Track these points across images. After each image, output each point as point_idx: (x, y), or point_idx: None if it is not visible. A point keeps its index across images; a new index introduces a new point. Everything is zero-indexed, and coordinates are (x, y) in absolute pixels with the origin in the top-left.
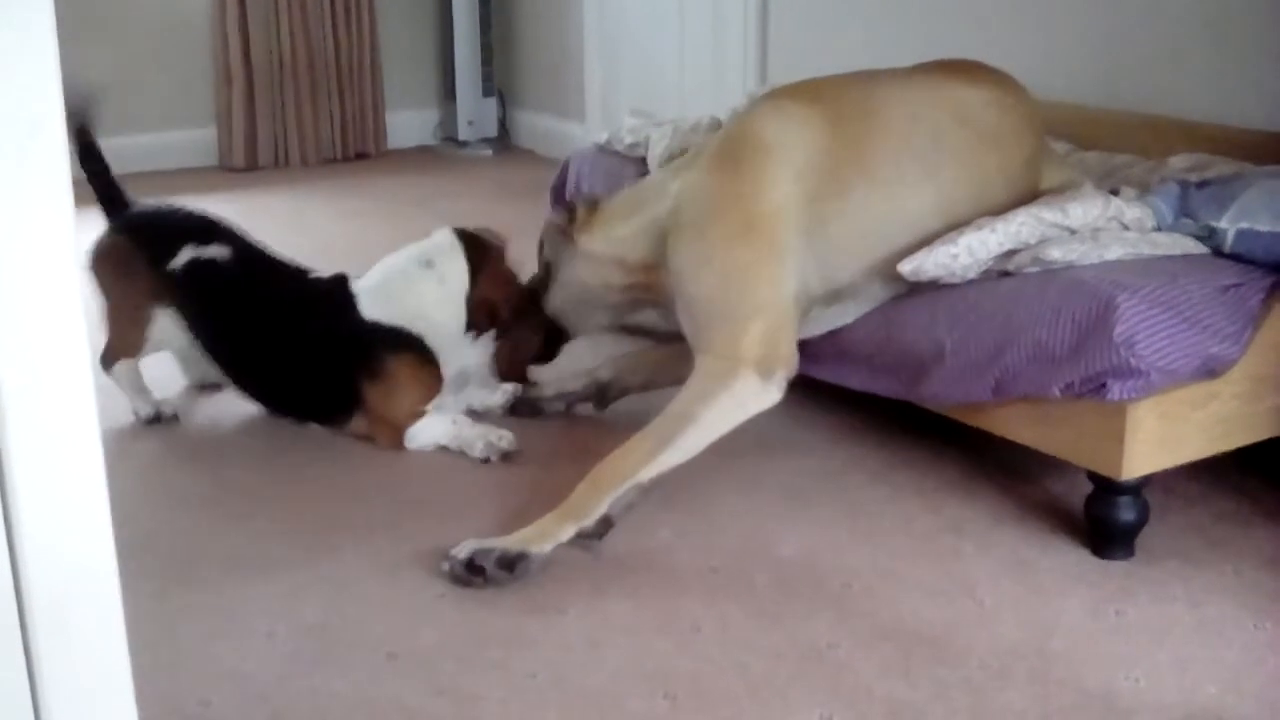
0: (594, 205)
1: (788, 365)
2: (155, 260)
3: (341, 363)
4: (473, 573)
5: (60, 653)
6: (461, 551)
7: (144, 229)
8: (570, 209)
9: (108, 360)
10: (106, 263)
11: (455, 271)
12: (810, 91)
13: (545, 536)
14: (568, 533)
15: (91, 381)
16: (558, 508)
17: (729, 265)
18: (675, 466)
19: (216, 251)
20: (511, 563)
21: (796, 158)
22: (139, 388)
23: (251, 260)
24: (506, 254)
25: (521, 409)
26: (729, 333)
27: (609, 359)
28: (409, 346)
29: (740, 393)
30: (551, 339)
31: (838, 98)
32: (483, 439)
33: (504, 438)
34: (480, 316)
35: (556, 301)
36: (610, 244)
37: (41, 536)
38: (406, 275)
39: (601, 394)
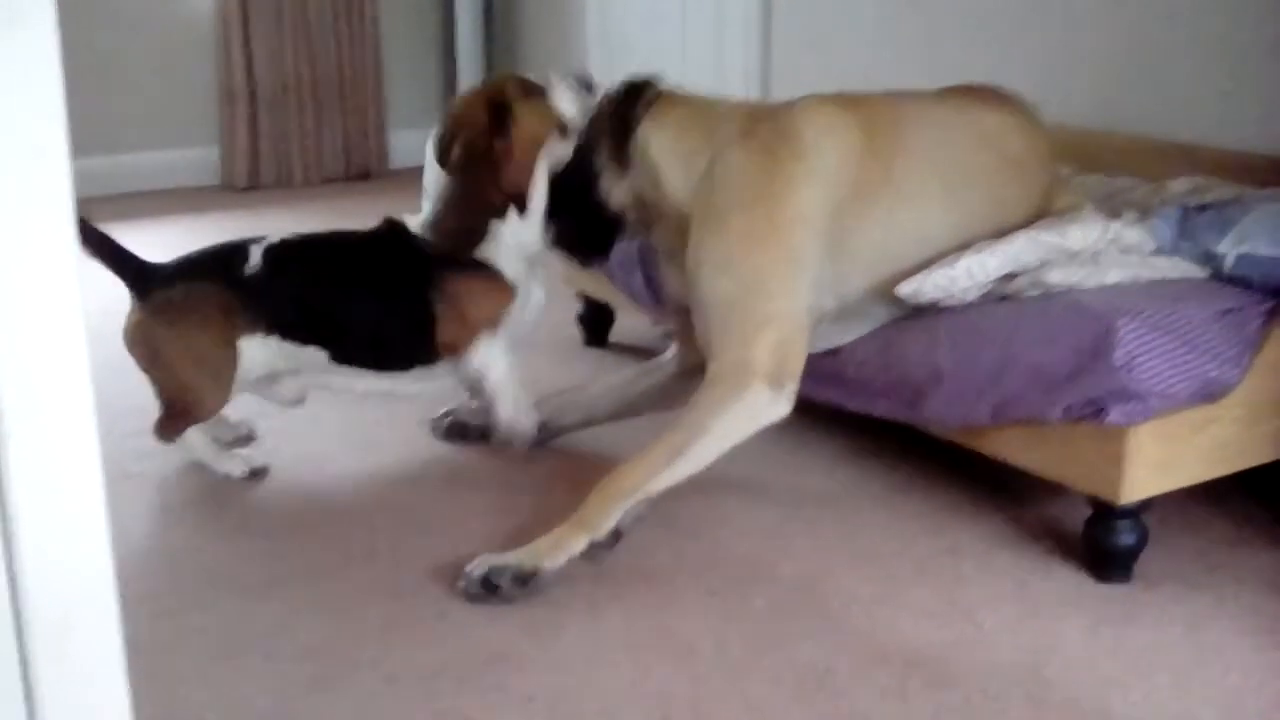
0: (662, 95)
1: (796, 378)
2: (228, 284)
3: (419, 297)
4: (488, 590)
5: (59, 674)
6: (476, 569)
7: (194, 269)
8: (639, 87)
9: (171, 432)
10: (157, 326)
11: None
12: (849, 101)
13: (559, 549)
14: (580, 545)
15: (93, 403)
16: (569, 520)
17: (747, 270)
18: (686, 478)
19: (269, 245)
20: (525, 579)
21: (830, 164)
22: (219, 448)
23: (301, 243)
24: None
25: (451, 431)
26: (741, 341)
27: (545, 398)
28: (471, 263)
29: (751, 405)
30: (604, 229)
31: (873, 111)
32: (519, 400)
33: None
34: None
35: (616, 195)
36: (655, 151)
37: (42, 557)
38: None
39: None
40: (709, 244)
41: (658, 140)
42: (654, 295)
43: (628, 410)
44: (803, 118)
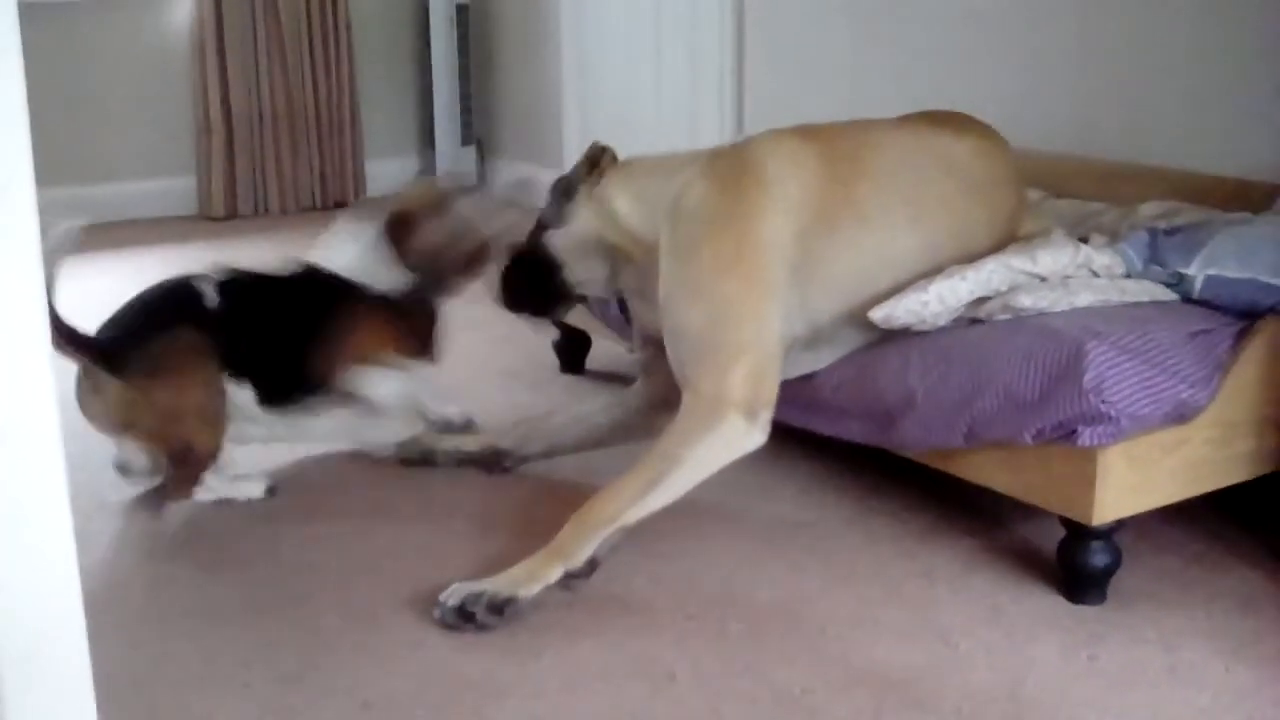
0: (615, 160)
1: (770, 406)
2: (197, 324)
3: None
4: (463, 619)
5: (28, 703)
6: (451, 599)
7: (155, 320)
8: (595, 157)
9: (188, 485)
10: (151, 389)
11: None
12: (807, 131)
13: (533, 579)
14: (555, 574)
15: (59, 433)
16: (544, 549)
17: (717, 299)
18: (661, 507)
19: (223, 281)
20: (500, 607)
21: (792, 191)
22: (230, 480)
23: (250, 278)
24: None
25: (413, 455)
26: (715, 371)
27: (511, 426)
28: (364, 297)
29: (726, 434)
30: (550, 296)
31: (832, 139)
32: (397, 427)
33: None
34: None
35: (559, 246)
36: (617, 200)
37: (10, 588)
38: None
39: (497, 460)
40: (679, 274)
41: (621, 188)
42: (629, 322)
43: (593, 442)
44: (762, 149)
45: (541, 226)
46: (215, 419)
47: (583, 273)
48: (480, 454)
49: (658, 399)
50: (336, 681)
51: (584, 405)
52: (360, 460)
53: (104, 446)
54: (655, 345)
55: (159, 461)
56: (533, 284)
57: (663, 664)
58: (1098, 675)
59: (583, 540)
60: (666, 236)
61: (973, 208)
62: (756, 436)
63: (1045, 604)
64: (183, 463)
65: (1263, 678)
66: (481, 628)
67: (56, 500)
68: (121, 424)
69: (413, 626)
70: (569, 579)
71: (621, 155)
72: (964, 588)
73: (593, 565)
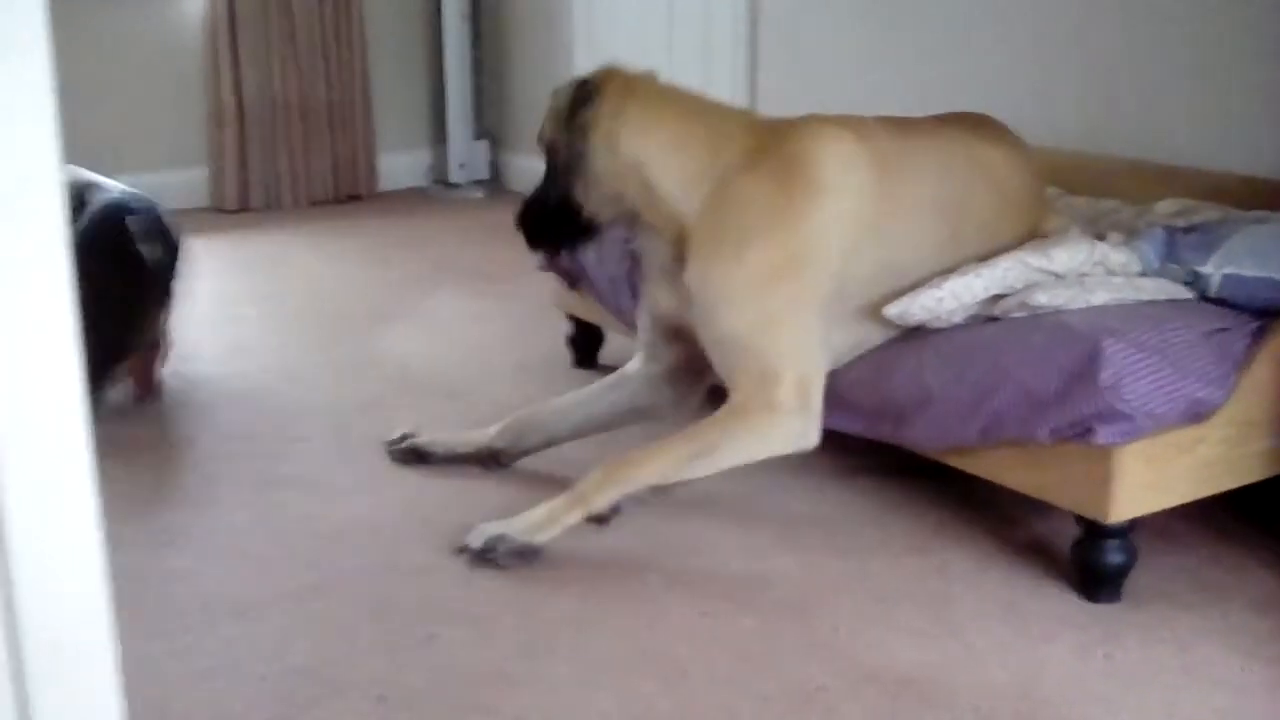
0: (631, 86)
1: (819, 413)
2: None
3: None
4: (486, 562)
5: (55, 696)
6: (475, 541)
7: None
8: (598, 81)
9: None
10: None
11: None
12: (858, 128)
13: (554, 522)
14: (575, 519)
15: (88, 427)
16: (567, 494)
17: (766, 308)
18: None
19: None
20: (521, 551)
21: (846, 200)
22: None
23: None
24: None
25: (409, 455)
26: (763, 379)
27: (503, 426)
28: None
29: (772, 439)
30: (569, 233)
31: (881, 142)
32: None
33: None
34: None
35: (574, 189)
36: (645, 154)
37: (37, 580)
38: None
39: (494, 458)
40: (723, 279)
41: (647, 142)
42: (635, 301)
43: (593, 427)
44: (816, 147)
45: (553, 165)
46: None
47: (604, 211)
48: (476, 455)
49: (662, 375)
50: (351, 674)
51: (579, 392)
52: (378, 452)
53: (124, 443)
54: (664, 326)
55: None
56: (551, 222)
57: (676, 660)
58: (1113, 674)
59: (606, 491)
60: (707, 224)
61: (1003, 218)
62: (807, 440)
63: (1060, 602)
64: None
65: (1279, 677)
66: (502, 568)
67: (84, 492)
68: None
69: (427, 620)
70: (589, 522)
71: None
72: (979, 585)
73: (615, 511)
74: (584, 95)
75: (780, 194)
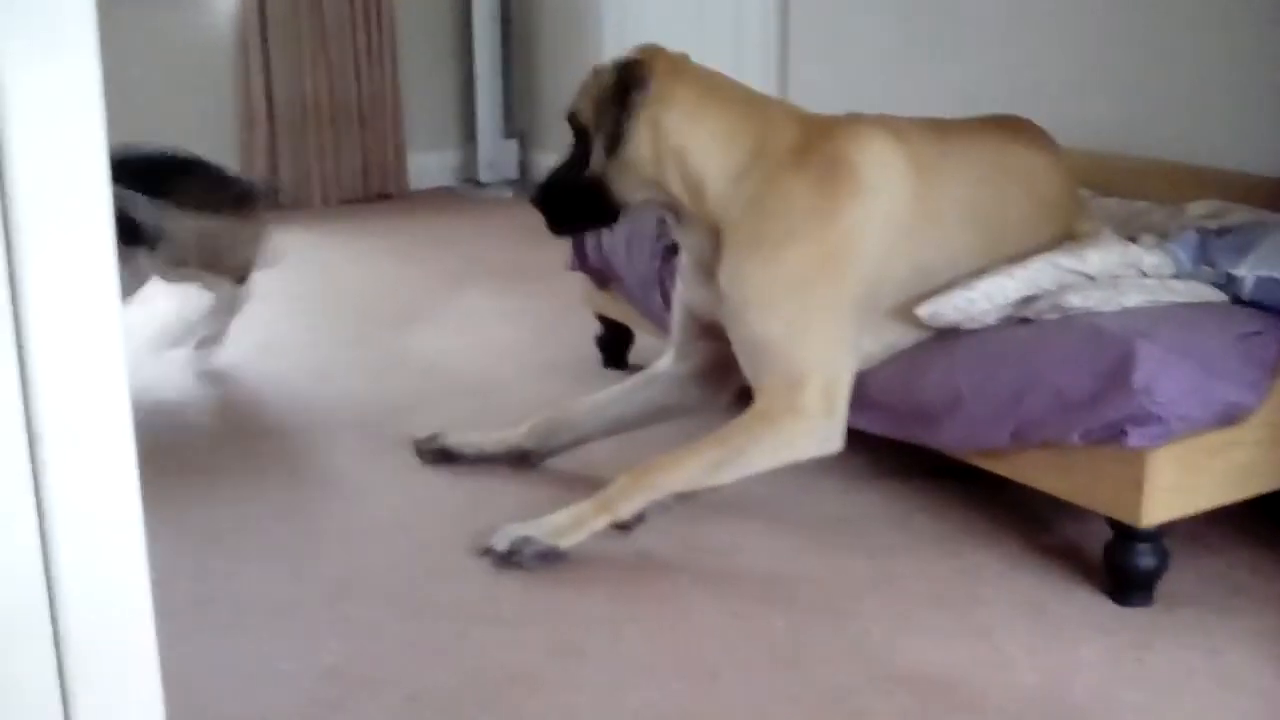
0: (679, 69)
1: (844, 418)
2: None
3: None
4: (510, 563)
5: (96, 694)
6: (500, 543)
7: None
8: (648, 63)
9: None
10: None
11: None
12: (897, 130)
13: (579, 526)
14: (600, 524)
15: (131, 427)
16: (593, 499)
17: (798, 311)
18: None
19: None
20: (545, 554)
21: (884, 204)
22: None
23: None
24: None
25: (438, 455)
26: (790, 383)
27: (530, 428)
28: None
29: (799, 443)
30: (596, 214)
31: (919, 144)
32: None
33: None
34: None
35: (606, 170)
36: (691, 142)
37: (79, 579)
38: None
39: (524, 458)
40: (757, 280)
41: (696, 129)
42: (665, 302)
43: (623, 425)
44: (855, 148)
45: (584, 143)
46: None
47: (635, 195)
48: (505, 456)
49: (691, 377)
50: (382, 673)
51: (608, 391)
52: (409, 451)
53: (154, 441)
54: (695, 324)
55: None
56: (576, 202)
57: (706, 662)
58: (1143, 678)
59: (631, 498)
60: (746, 222)
61: (1039, 224)
62: (831, 445)
63: (1091, 606)
64: None
65: None
66: (525, 570)
67: (128, 495)
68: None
69: (457, 619)
70: (613, 528)
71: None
72: (1009, 588)
73: (639, 519)
74: (637, 77)
75: (818, 194)
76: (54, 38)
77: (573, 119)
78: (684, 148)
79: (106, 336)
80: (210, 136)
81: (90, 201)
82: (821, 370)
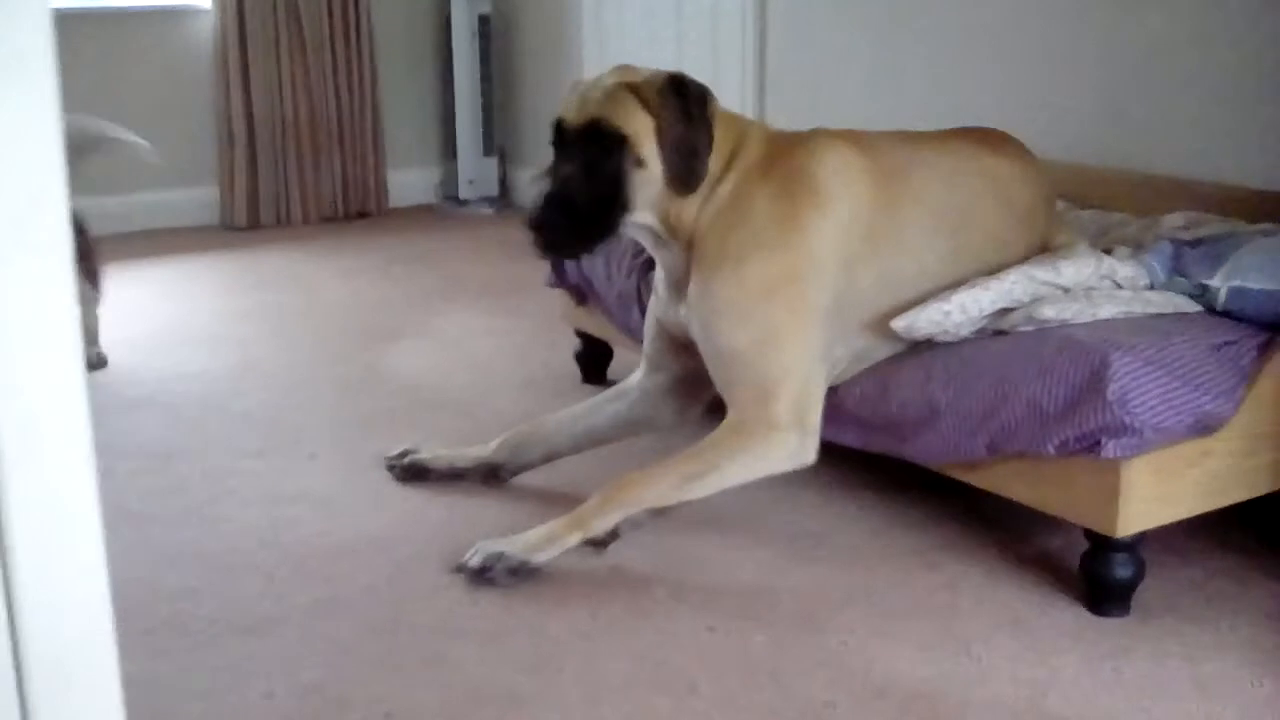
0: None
1: (817, 431)
2: None
3: None
4: (483, 580)
5: (57, 715)
6: (474, 560)
7: None
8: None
9: None
10: None
11: None
12: (860, 142)
13: (553, 543)
14: (573, 541)
15: (92, 445)
16: (567, 516)
17: (765, 324)
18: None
19: None
20: (518, 570)
21: (845, 214)
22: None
23: None
24: None
25: (409, 472)
26: (761, 396)
27: (500, 443)
28: None
29: (771, 455)
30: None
31: (883, 155)
32: None
33: None
34: None
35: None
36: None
37: (40, 599)
38: None
39: (493, 473)
40: (724, 292)
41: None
42: (643, 318)
43: (593, 441)
44: (816, 159)
45: (607, 153)
46: None
47: (647, 211)
48: (475, 470)
49: (663, 391)
50: (358, 692)
51: (578, 405)
52: (382, 472)
53: (128, 459)
54: (668, 338)
55: None
56: (585, 221)
57: (685, 676)
58: (1122, 688)
59: (605, 515)
60: (714, 234)
61: (1011, 232)
62: (808, 456)
63: (1068, 616)
64: None
65: None
66: (499, 586)
67: (87, 513)
68: None
69: (435, 637)
70: (587, 545)
71: None
72: (987, 599)
73: (613, 535)
74: (700, 91)
75: (782, 206)
76: (10, 59)
77: (603, 125)
78: None
79: (68, 355)
80: (189, 155)
81: (51, 223)
82: (791, 381)
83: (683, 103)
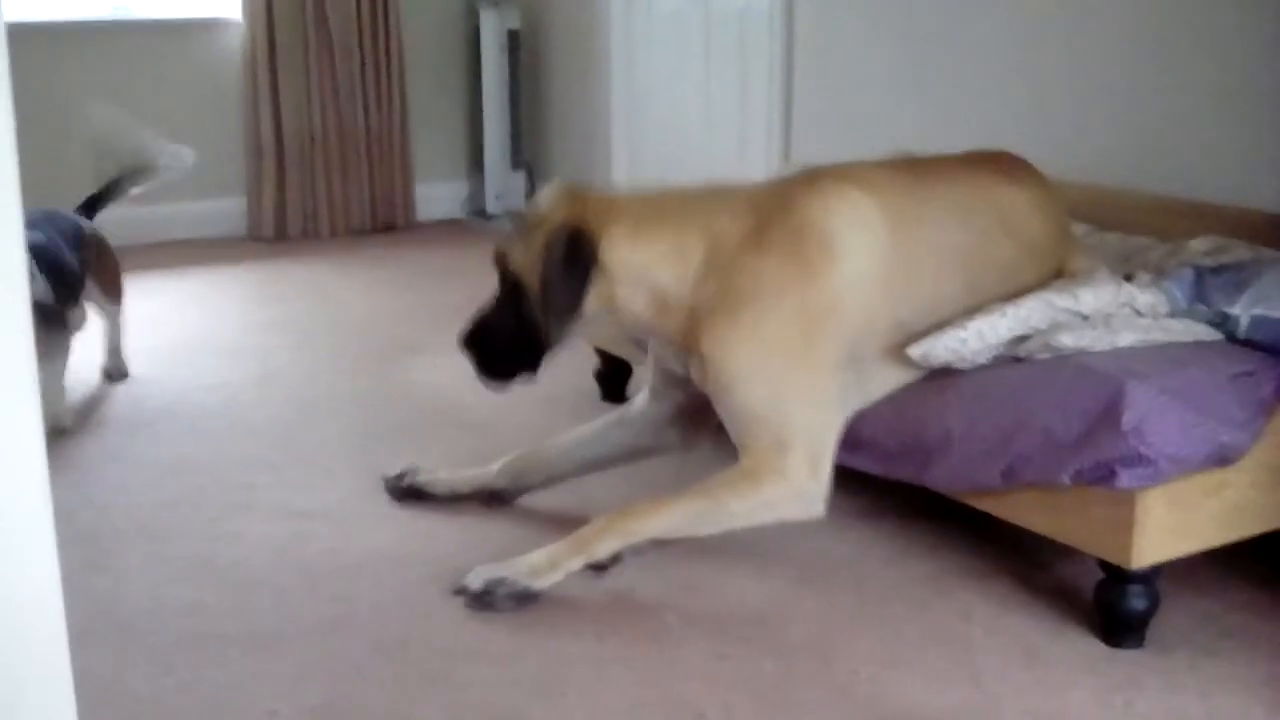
0: (607, 203)
1: (828, 482)
2: None
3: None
4: (485, 604)
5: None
6: (474, 583)
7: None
8: (585, 225)
9: None
10: None
11: None
12: (864, 181)
13: (554, 568)
14: (575, 566)
15: (44, 464)
16: (569, 539)
17: (781, 381)
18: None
19: None
20: (520, 595)
21: (860, 264)
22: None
23: None
24: None
25: (408, 493)
26: (776, 449)
27: (502, 466)
28: None
29: (780, 507)
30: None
31: (894, 194)
32: None
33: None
34: None
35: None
36: (639, 257)
37: None
38: None
39: (495, 496)
40: (741, 354)
41: (646, 260)
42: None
43: (594, 466)
44: (824, 213)
45: (516, 293)
46: None
47: (572, 336)
48: (476, 494)
49: (667, 419)
50: (364, 713)
51: (580, 430)
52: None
53: (151, 469)
54: (671, 377)
55: None
56: (510, 351)
57: (693, 704)
58: None
59: (608, 542)
60: (721, 306)
61: (1027, 270)
62: (814, 508)
63: (1082, 647)
64: None
65: None
66: (500, 610)
67: (40, 522)
68: None
69: (443, 657)
70: (588, 569)
71: (666, 178)
72: (1000, 629)
73: (615, 560)
74: (586, 252)
75: (791, 265)
76: None
77: (501, 263)
78: (636, 278)
79: (18, 374)
80: (218, 166)
81: (3, 244)
82: (807, 436)
83: (555, 257)
